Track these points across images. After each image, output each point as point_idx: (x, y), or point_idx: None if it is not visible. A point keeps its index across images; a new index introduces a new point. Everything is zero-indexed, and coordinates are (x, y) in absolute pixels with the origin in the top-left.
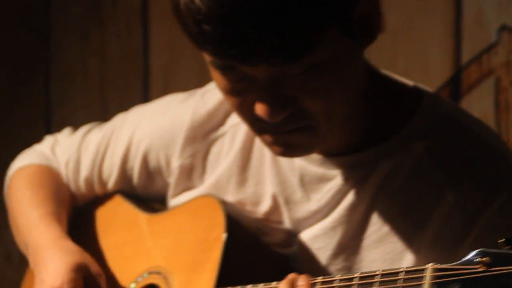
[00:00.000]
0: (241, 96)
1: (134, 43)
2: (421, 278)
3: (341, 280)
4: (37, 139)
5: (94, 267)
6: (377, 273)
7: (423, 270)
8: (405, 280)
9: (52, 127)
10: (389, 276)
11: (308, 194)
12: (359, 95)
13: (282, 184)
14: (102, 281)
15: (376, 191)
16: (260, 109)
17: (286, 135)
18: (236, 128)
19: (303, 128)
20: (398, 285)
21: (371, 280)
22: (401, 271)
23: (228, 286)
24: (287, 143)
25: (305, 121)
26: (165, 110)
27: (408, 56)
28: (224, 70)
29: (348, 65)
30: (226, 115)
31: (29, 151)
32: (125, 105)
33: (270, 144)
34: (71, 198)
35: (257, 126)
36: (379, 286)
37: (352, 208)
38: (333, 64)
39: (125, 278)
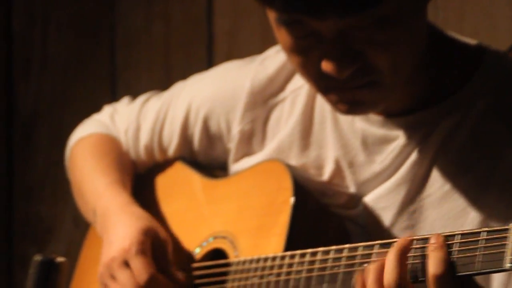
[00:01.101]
0: (306, 54)
1: (198, 7)
2: (504, 238)
3: (417, 241)
4: (103, 104)
5: (162, 232)
6: (456, 233)
7: (506, 230)
8: (487, 240)
9: (117, 92)
10: (469, 237)
11: (371, 156)
12: (421, 52)
13: (344, 147)
14: (169, 247)
15: (438, 149)
16: (327, 65)
17: (353, 91)
18: (296, 93)
19: (369, 83)
20: (479, 245)
21: (450, 242)
22: (483, 231)
23: (297, 249)
24: (353, 100)
25: (371, 76)
26: (224, 76)
27: (475, 18)
28: (290, 26)
29: (413, 19)
30: (286, 81)
31: (88, 121)
32: (189, 69)
33: (335, 103)
34: (132, 165)
35: (322, 84)
36: (459, 247)
37: (415, 167)
38: (399, 16)
39: (190, 243)
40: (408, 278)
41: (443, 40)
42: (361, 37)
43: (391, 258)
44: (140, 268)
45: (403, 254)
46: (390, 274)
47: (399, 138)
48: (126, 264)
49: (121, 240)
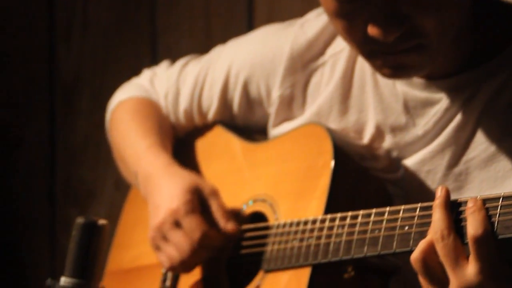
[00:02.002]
0: (351, 18)
1: None
2: None
3: (457, 204)
4: (144, 67)
5: (207, 187)
6: (500, 195)
7: None
8: None
9: (157, 55)
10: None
11: (413, 120)
12: (466, 14)
13: (385, 111)
14: (218, 199)
15: (482, 111)
16: (373, 29)
17: (398, 55)
18: (336, 57)
19: (416, 47)
20: None
21: (492, 204)
22: None
23: (338, 212)
24: (399, 64)
25: (418, 40)
26: (264, 40)
27: None
28: None
29: None
30: (326, 45)
31: (128, 85)
32: (229, 32)
33: (380, 67)
34: (172, 129)
35: (367, 48)
36: (501, 209)
37: (459, 129)
38: None
39: (230, 206)
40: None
41: (486, 1)
42: (408, 0)
43: (437, 211)
44: (192, 227)
45: (447, 204)
46: (437, 223)
47: (442, 100)
48: (177, 224)
49: (168, 201)
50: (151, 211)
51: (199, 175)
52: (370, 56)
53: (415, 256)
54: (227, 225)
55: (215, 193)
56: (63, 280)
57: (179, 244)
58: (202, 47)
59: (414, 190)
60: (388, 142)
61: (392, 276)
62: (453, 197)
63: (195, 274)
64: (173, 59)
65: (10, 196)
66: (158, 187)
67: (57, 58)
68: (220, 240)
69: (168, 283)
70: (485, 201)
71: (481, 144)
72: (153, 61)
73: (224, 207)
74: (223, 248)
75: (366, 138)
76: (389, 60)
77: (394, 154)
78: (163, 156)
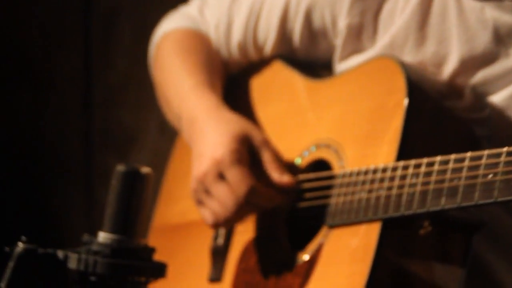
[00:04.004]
0: None
1: None
2: None
3: None
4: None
5: (258, 136)
6: None
7: None
8: None
9: None
10: None
11: (506, 49)
12: None
13: (470, 41)
14: (270, 151)
15: None
16: None
17: None
18: None
19: None
20: None
21: None
22: None
23: (412, 159)
24: None
25: None
26: None
27: None
28: None
29: None
30: None
31: (176, 14)
32: None
33: None
34: (223, 64)
35: None
36: None
37: None
38: None
39: (289, 152)
40: None
41: None
42: None
43: None
44: (238, 180)
45: None
46: None
47: None
48: (221, 176)
49: (212, 150)
50: (193, 159)
51: (251, 120)
52: None
53: None
54: (282, 178)
55: (266, 142)
56: (102, 235)
57: (222, 199)
58: None
59: (503, 130)
60: (473, 76)
61: (476, 233)
62: None
63: (250, 231)
64: None
65: (41, 142)
66: (202, 133)
67: None
68: (270, 196)
69: (220, 240)
70: None
71: None
72: None
73: (277, 158)
74: (276, 205)
75: (447, 73)
76: None
77: (481, 90)
78: (210, 97)
